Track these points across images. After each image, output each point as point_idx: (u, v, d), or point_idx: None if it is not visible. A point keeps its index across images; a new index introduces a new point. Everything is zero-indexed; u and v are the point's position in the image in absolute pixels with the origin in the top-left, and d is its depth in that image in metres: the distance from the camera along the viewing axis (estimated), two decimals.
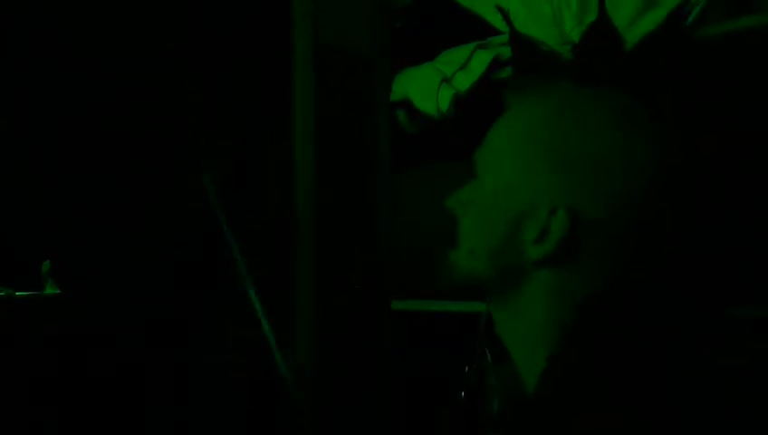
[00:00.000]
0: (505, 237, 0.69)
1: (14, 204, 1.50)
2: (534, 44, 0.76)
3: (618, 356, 0.61)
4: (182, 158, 1.77)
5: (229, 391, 1.75)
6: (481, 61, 1.71)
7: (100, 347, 1.46)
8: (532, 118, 0.71)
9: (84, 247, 1.54)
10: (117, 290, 1.57)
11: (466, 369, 1.45)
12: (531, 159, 0.69)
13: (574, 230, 0.65)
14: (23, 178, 1.53)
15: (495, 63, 1.71)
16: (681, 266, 0.68)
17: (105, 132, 1.68)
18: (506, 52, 1.71)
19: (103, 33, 1.69)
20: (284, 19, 1.99)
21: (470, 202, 0.74)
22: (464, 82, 1.72)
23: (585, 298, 0.66)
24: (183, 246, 1.77)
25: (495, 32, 1.75)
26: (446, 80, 1.73)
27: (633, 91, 0.68)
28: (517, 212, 0.69)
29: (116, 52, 1.69)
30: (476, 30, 1.79)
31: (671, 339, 0.65)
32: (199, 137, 1.81)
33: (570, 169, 0.67)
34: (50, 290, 1.30)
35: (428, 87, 1.77)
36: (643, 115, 0.67)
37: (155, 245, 1.72)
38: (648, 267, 0.67)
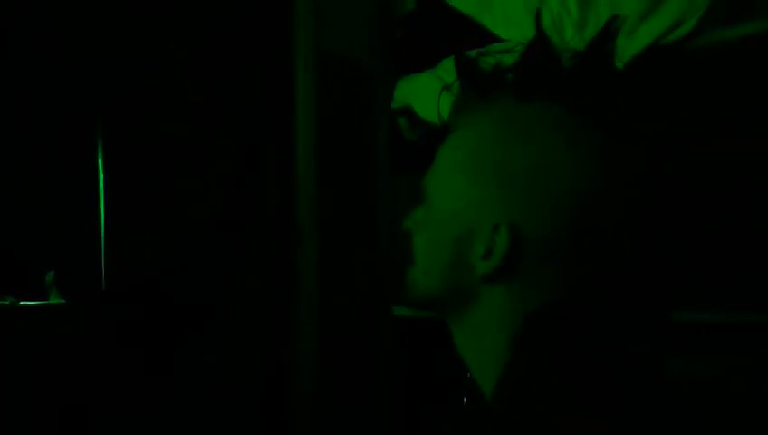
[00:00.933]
0: (455, 256, 0.71)
1: (18, 213, 1.51)
2: (476, 63, 0.77)
3: (567, 364, 0.62)
4: (183, 162, 1.78)
5: (232, 393, 1.76)
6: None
7: (102, 353, 1.47)
8: (475, 136, 0.72)
9: (87, 257, 1.55)
10: (119, 298, 1.58)
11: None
12: (474, 177, 0.70)
13: (517, 245, 0.66)
14: (26, 187, 1.53)
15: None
16: (625, 276, 0.69)
17: (110, 135, 1.69)
18: (507, 59, 1.72)
19: (106, 37, 1.70)
20: (286, 27, 2.00)
21: (422, 222, 0.75)
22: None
23: (533, 310, 0.66)
24: (185, 251, 1.78)
25: (496, 39, 1.77)
26: (447, 87, 1.74)
27: (572, 103, 0.68)
28: (464, 230, 0.70)
29: (115, 53, 1.70)
30: (477, 37, 1.80)
31: (619, 346, 0.66)
32: (201, 141, 1.82)
33: (511, 186, 0.68)
34: (54, 299, 1.31)
35: (429, 94, 1.78)
36: (583, 129, 0.67)
37: (156, 250, 1.73)
38: (594, 278, 0.68)
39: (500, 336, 0.68)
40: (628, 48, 1.46)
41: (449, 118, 0.77)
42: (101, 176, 1.64)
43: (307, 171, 1.99)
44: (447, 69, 1.79)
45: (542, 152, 0.67)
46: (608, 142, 0.67)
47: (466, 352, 0.73)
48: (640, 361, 0.65)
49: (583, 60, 0.72)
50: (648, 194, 0.70)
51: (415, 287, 0.75)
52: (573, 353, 0.62)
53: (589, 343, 0.64)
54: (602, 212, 0.66)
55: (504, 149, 0.69)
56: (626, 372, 0.62)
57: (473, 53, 1.77)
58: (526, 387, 0.61)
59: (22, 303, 1.31)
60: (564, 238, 0.66)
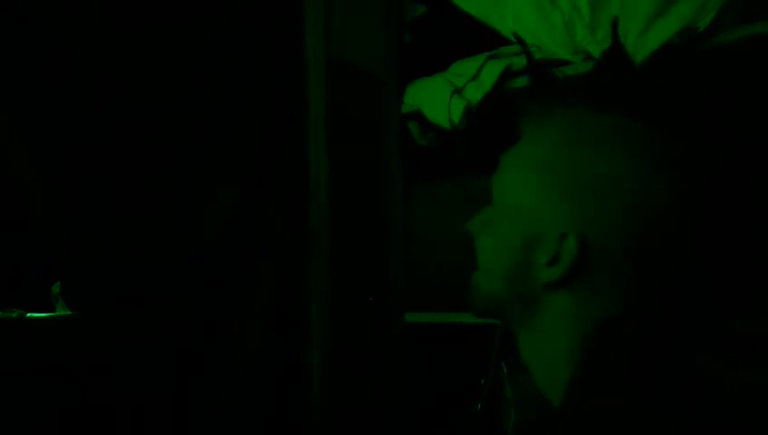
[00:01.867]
0: (519, 261, 0.71)
1: (26, 225, 1.51)
2: (551, 73, 0.78)
3: (638, 374, 0.63)
4: (194, 171, 1.77)
5: (244, 400, 1.75)
6: (492, 71, 1.71)
7: (110, 364, 1.47)
8: (546, 145, 0.72)
9: (95, 269, 1.55)
10: (129, 308, 1.58)
11: (482, 381, 1.44)
12: (543, 186, 0.70)
13: (584, 255, 0.67)
14: (35, 199, 1.53)
15: (507, 74, 1.71)
16: (692, 287, 0.70)
17: (120, 149, 1.69)
18: (518, 62, 1.71)
19: (116, 47, 1.70)
20: (297, 34, 2.00)
21: (486, 225, 0.76)
22: (475, 93, 1.71)
23: (601, 320, 0.67)
24: (196, 260, 1.78)
25: (506, 42, 1.75)
26: (457, 91, 1.73)
27: (647, 114, 0.68)
28: (530, 237, 0.71)
29: (129, 64, 1.70)
30: (488, 40, 1.79)
31: (686, 356, 0.66)
32: (213, 149, 1.81)
33: (580, 196, 0.68)
34: (61, 311, 1.31)
35: (440, 99, 1.76)
36: (656, 142, 0.69)
37: (166, 258, 1.72)
38: (660, 290, 0.69)
39: (563, 343, 0.69)
40: (639, 49, 1.44)
41: (521, 124, 0.75)
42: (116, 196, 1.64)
43: (319, 177, 1.98)
44: (458, 73, 1.78)
45: (614, 163, 0.68)
46: (680, 156, 0.68)
47: (530, 357, 0.73)
48: (705, 372, 0.65)
49: (658, 74, 0.73)
50: (717, 209, 0.70)
51: (478, 290, 0.75)
52: (647, 365, 0.63)
53: (661, 356, 0.65)
54: (671, 226, 0.67)
55: (575, 159, 0.69)
56: (695, 384, 0.64)
57: (483, 56, 1.77)
58: (601, 395, 0.62)
59: (29, 315, 1.30)
60: (630, 251, 0.67)
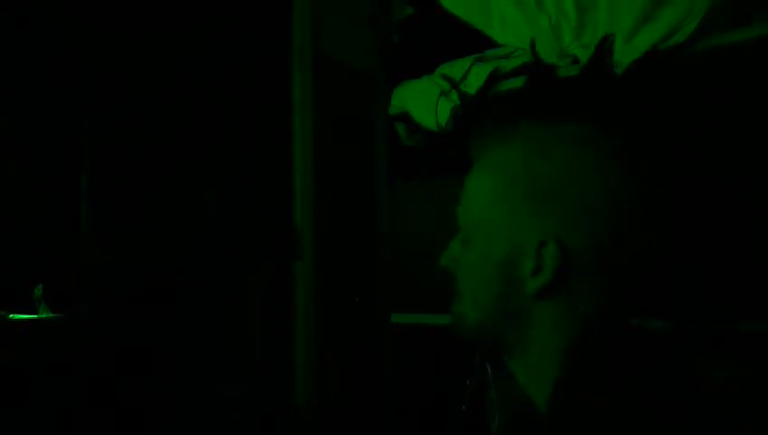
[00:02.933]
0: (503, 280, 0.72)
1: (7, 226, 1.49)
2: (487, 96, 0.81)
3: (622, 372, 0.64)
4: (176, 170, 1.76)
5: (230, 404, 1.74)
6: (479, 74, 1.71)
7: (94, 367, 1.46)
8: (505, 162, 0.74)
9: (77, 270, 1.54)
10: (110, 311, 1.57)
11: (467, 382, 1.45)
12: (509, 201, 0.72)
13: (566, 259, 0.69)
14: (21, 200, 1.52)
15: (494, 76, 1.71)
16: (666, 279, 0.73)
17: (99, 142, 1.68)
18: (505, 65, 1.72)
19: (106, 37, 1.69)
20: (284, 30, 1.99)
21: (461, 254, 0.77)
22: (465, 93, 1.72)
23: (582, 327, 0.69)
24: (180, 264, 1.77)
25: (493, 44, 1.76)
26: (444, 93, 1.73)
27: (597, 119, 0.72)
28: (508, 253, 0.72)
29: (112, 54, 1.69)
30: (475, 42, 1.79)
31: (673, 353, 0.68)
32: (195, 148, 1.80)
33: (546, 203, 0.70)
34: (43, 313, 1.30)
35: (427, 101, 1.77)
36: (604, 142, 0.71)
37: (150, 262, 1.72)
38: (635, 285, 0.71)
39: (554, 351, 0.70)
40: (627, 53, 1.45)
41: (472, 150, 0.77)
42: (87, 184, 1.63)
43: (305, 177, 1.98)
44: (445, 75, 1.78)
45: (570, 168, 0.70)
46: (628, 152, 0.71)
47: (518, 368, 0.74)
48: (684, 368, 0.67)
49: (592, 78, 0.75)
50: (670, 195, 0.73)
51: (465, 319, 0.75)
52: (631, 363, 0.65)
53: (642, 354, 0.67)
54: (634, 217, 0.70)
55: (533, 170, 0.71)
56: (676, 382, 0.65)
57: (470, 58, 1.78)
58: (586, 396, 0.64)
59: (11, 316, 1.30)
60: (605, 247, 0.69)
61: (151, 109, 1.74)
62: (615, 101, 0.72)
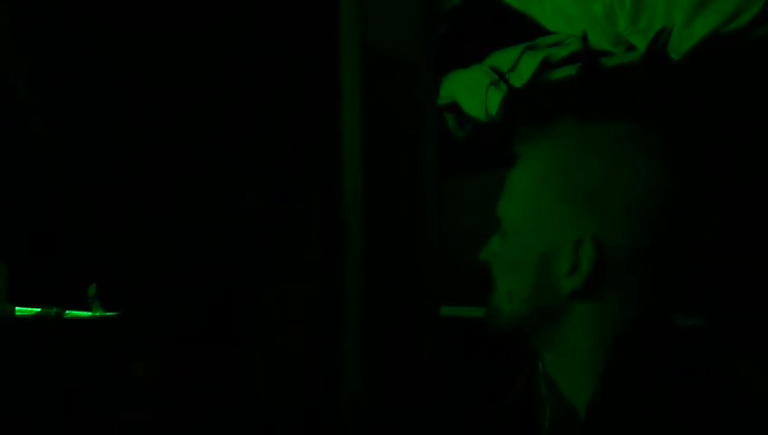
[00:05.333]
0: (538, 277, 0.72)
1: (65, 227, 1.52)
2: (530, 93, 0.81)
3: (660, 384, 0.64)
4: (225, 161, 1.77)
5: (277, 395, 1.75)
6: (530, 63, 1.68)
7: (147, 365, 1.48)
8: (544, 160, 0.74)
9: (133, 270, 1.57)
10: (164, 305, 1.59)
11: (517, 378, 1.43)
12: (549, 199, 0.72)
13: (602, 259, 0.68)
14: (72, 202, 1.55)
15: (545, 65, 1.68)
16: (701, 280, 0.71)
17: (154, 148, 1.70)
18: (556, 53, 1.68)
19: (147, 38, 1.70)
20: (331, 21, 1.99)
21: (500, 249, 0.77)
22: (514, 84, 1.68)
23: (620, 327, 0.69)
24: (229, 252, 1.78)
25: (544, 32, 1.72)
26: (494, 83, 1.71)
27: (638, 117, 0.70)
28: (545, 249, 0.72)
29: (158, 52, 1.71)
30: (525, 30, 1.76)
31: (710, 357, 0.68)
32: (245, 139, 1.81)
33: (586, 202, 0.70)
34: (97, 312, 1.32)
35: (477, 90, 1.74)
36: (647, 140, 0.70)
37: (200, 253, 1.73)
38: (674, 286, 0.71)
39: (590, 352, 0.70)
40: (684, 40, 1.40)
41: (515, 147, 0.77)
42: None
43: (353, 169, 1.97)
44: (495, 64, 1.75)
45: (610, 167, 0.69)
46: (671, 150, 0.69)
47: (556, 369, 0.74)
48: (721, 369, 0.67)
49: (639, 74, 0.74)
50: (716, 195, 0.71)
51: (499, 313, 0.76)
52: (669, 372, 0.65)
53: (680, 358, 0.67)
54: (676, 218, 0.69)
55: (574, 168, 0.71)
56: (721, 386, 0.65)
57: (520, 47, 1.74)
58: (623, 403, 0.64)
59: (67, 313, 1.32)
60: (644, 249, 0.68)
61: (195, 107, 1.75)
62: (664, 96, 0.70)
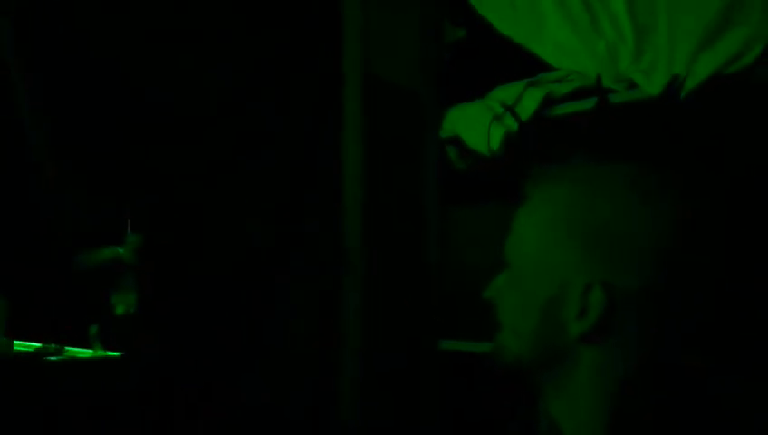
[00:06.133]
0: (545, 317, 0.71)
1: (69, 266, 1.52)
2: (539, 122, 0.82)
3: (668, 426, 0.64)
4: (228, 187, 1.77)
5: (276, 425, 1.74)
6: (533, 98, 1.68)
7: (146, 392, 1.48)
8: (554, 200, 0.73)
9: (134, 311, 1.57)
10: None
11: (517, 412, 1.41)
12: (558, 239, 0.71)
13: (612, 304, 0.67)
14: (76, 240, 1.55)
15: (547, 101, 1.68)
16: (713, 324, 0.71)
17: (151, 163, 1.70)
18: (558, 89, 1.68)
19: (159, 61, 1.71)
20: (335, 52, 2.00)
21: (506, 288, 0.76)
22: (515, 120, 1.69)
23: (629, 371, 0.68)
24: (230, 279, 1.78)
25: (547, 68, 1.73)
26: (497, 117, 1.71)
27: (648, 157, 0.70)
28: (554, 291, 0.71)
29: (163, 76, 1.71)
30: (528, 66, 1.76)
31: (717, 404, 0.68)
32: (247, 166, 1.81)
33: (596, 245, 0.69)
34: (98, 351, 1.32)
35: (479, 124, 1.74)
36: (657, 185, 0.69)
37: (201, 282, 1.73)
38: (685, 335, 0.69)
39: (596, 396, 0.69)
40: (688, 80, 1.40)
41: (523, 184, 0.76)
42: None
43: (354, 199, 1.97)
44: (498, 98, 1.76)
45: (621, 209, 0.69)
46: (683, 192, 0.69)
47: (560, 411, 0.73)
48: (732, 414, 0.66)
49: (652, 116, 0.74)
50: (726, 242, 0.70)
51: (505, 351, 0.75)
52: (680, 417, 0.65)
53: (687, 405, 0.66)
54: (688, 261, 0.68)
55: (583, 210, 0.70)
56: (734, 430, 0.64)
57: (523, 82, 1.75)
58: None
59: (68, 349, 1.32)
60: (654, 292, 0.67)
61: (201, 131, 1.76)
62: (675, 137, 0.70)
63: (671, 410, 0.65)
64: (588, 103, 1.62)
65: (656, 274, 0.67)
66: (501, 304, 0.76)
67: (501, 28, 1.78)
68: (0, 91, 1.61)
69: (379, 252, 1.94)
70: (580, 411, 0.70)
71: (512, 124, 1.68)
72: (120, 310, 1.57)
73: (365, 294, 1.90)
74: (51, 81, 1.58)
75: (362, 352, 1.88)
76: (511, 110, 1.66)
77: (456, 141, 1.86)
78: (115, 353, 1.34)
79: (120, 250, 1.58)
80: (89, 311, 1.47)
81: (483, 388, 1.85)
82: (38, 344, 1.31)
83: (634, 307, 0.67)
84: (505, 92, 1.74)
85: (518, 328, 0.73)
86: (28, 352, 1.30)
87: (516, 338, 0.73)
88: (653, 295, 0.67)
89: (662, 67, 1.46)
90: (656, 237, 0.67)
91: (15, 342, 1.29)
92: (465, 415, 1.89)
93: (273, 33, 1.90)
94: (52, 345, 1.28)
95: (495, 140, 1.69)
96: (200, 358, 1.60)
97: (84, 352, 1.34)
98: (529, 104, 1.67)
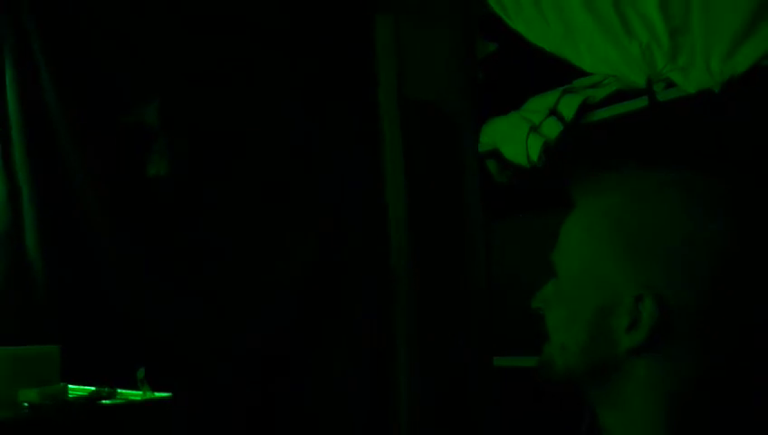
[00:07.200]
0: (594, 329, 0.69)
1: (120, 310, 1.56)
2: (591, 134, 0.79)
3: None
4: (273, 217, 1.79)
5: None
6: (569, 106, 1.66)
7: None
8: (605, 209, 0.70)
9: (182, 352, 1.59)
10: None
11: (577, 431, 1.38)
12: (608, 249, 0.69)
13: (665, 316, 0.64)
14: (127, 284, 1.58)
15: (584, 107, 1.66)
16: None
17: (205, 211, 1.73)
18: (595, 94, 1.66)
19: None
20: (369, 75, 2.01)
21: (554, 298, 0.74)
22: (553, 128, 1.66)
23: (684, 384, 0.65)
24: (282, 306, 1.79)
25: (581, 74, 1.70)
26: (534, 128, 1.69)
27: (702, 161, 0.67)
28: (603, 303, 0.68)
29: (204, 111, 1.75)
30: (562, 73, 1.74)
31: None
32: (289, 194, 1.83)
33: (648, 255, 0.66)
34: (147, 394, 1.34)
35: (517, 136, 1.72)
36: (711, 189, 0.67)
37: (255, 311, 1.74)
38: (738, 348, 0.66)
39: (650, 412, 0.66)
40: (726, 71, 1.37)
41: (571, 192, 0.74)
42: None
43: (398, 219, 1.97)
44: (533, 109, 1.74)
45: (672, 218, 0.66)
46: (737, 201, 0.66)
47: (613, 427, 0.70)
48: None
49: (704, 121, 0.71)
50: None
51: (552, 365, 0.73)
52: (733, 431, 0.62)
53: (744, 417, 0.64)
54: (743, 271, 0.65)
55: (633, 219, 0.68)
56: None
57: (558, 90, 1.73)
58: None
59: (120, 391, 1.34)
60: (709, 304, 0.64)
61: (245, 162, 1.78)
62: (724, 140, 0.67)
63: (729, 422, 0.63)
64: (628, 106, 1.59)
65: (712, 286, 0.64)
66: (548, 316, 0.74)
67: (532, 38, 1.77)
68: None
69: (425, 270, 1.93)
70: (635, 425, 0.67)
71: (550, 134, 1.66)
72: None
73: (415, 315, 1.89)
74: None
75: (415, 375, 1.87)
76: (555, 113, 1.63)
77: (495, 155, 1.85)
78: (164, 394, 1.35)
79: None
80: (137, 353, 1.50)
81: (542, 405, 1.82)
82: (91, 388, 1.34)
83: (688, 319, 0.64)
84: (540, 102, 1.72)
85: (565, 340, 0.71)
86: (82, 396, 1.32)
87: (564, 351, 0.71)
88: (709, 308, 0.64)
89: (699, 64, 1.42)
90: (711, 248, 0.64)
91: (69, 386, 1.31)
92: (524, 431, 1.86)
93: (307, 62, 1.92)
94: (105, 389, 1.30)
95: (534, 151, 1.67)
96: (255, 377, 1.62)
97: (135, 394, 1.35)
98: (567, 112, 1.65)
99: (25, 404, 1.26)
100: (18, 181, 1.49)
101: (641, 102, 1.55)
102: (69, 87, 1.60)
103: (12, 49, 1.57)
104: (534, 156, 1.67)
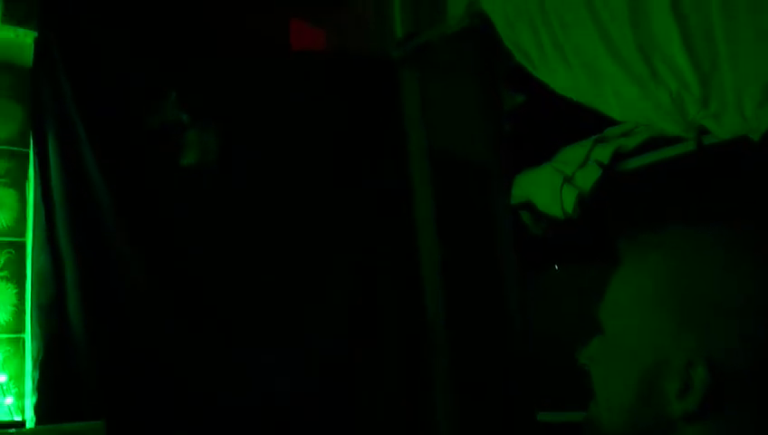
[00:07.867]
0: (642, 392, 0.66)
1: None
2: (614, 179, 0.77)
3: None
4: (308, 272, 1.79)
5: None
6: (602, 155, 1.65)
7: None
8: (653, 269, 0.68)
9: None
10: None
11: None
12: (658, 312, 0.66)
13: (717, 382, 0.62)
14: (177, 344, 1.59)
15: (617, 156, 1.65)
16: None
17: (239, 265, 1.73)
18: (627, 143, 1.65)
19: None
20: (398, 131, 2.03)
21: (601, 356, 0.72)
22: (587, 180, 1.65)
23: None
24: (320, 361, 1.78)
25: (611, 123, 1.70)
26: (567, 180, 1.68)
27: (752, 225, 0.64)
28: (651, 366, 0.66)
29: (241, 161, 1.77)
30: (592, 123, 1.73)
31: None
32: (323, 250, 1.83)
33: (699, 318, 0.63)
34: None
35: (550, 189, 1.71)
36: (762, 250, 0.64)
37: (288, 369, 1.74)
38: None
39: None
40: (762, 119, 1.36)
41: (618, 247, 0.73)
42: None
43: (432, 272, 1.96)
44: (565, 160, 1.73)
45: (725, 278, 0.63)
46: None
47: None
48: None
49: (758, 175, 0.69)
50: None
51: (598, 425, 0.70)
52: None
53: None
54: None
55: (683, 279, 0.65)
56: None
57: (590, 141, 1.72)
58: None
59: None
60: (760, 373, 0.62)
61: (276, 229, 1.79)
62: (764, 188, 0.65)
63: None
64: (661, 154, 1.58)
65: (762, 350, 0.61)
66: (594, 373, 0.72)
67: (558, 88, 1.76)
68: None
69: (462, 324, 1.91)
70: None
71: (584, 185, 1.65)
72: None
73: (454, 370, 1.87)
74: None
75: (457, 431, 1.84)
76: (601, 164, 1.60)
77: (529, 207, 1.84)
78: None
79: None
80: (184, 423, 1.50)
81: None
82: None
83: (741, 384, 0.62)
84: (572, 153, 1.72)
85: (611, 400, 0.69)
86: None
87: (609, 412, 0.69)
88: (759, 374, 0.62)
89: (732, 110, 1.41)
90: (761, 310, 0.61)
91: None
92: None
93: (335, 117, 1.95)
94: None
95: (569, 203, 1.66)
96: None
97: None
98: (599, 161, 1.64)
99: None
100: (62, 254, 1.50)
101: (675, 150, 1.54)
102: (107, 154, 1.61)
103: (53, 116, 1.56)
104: (569, 207, 1.66)
